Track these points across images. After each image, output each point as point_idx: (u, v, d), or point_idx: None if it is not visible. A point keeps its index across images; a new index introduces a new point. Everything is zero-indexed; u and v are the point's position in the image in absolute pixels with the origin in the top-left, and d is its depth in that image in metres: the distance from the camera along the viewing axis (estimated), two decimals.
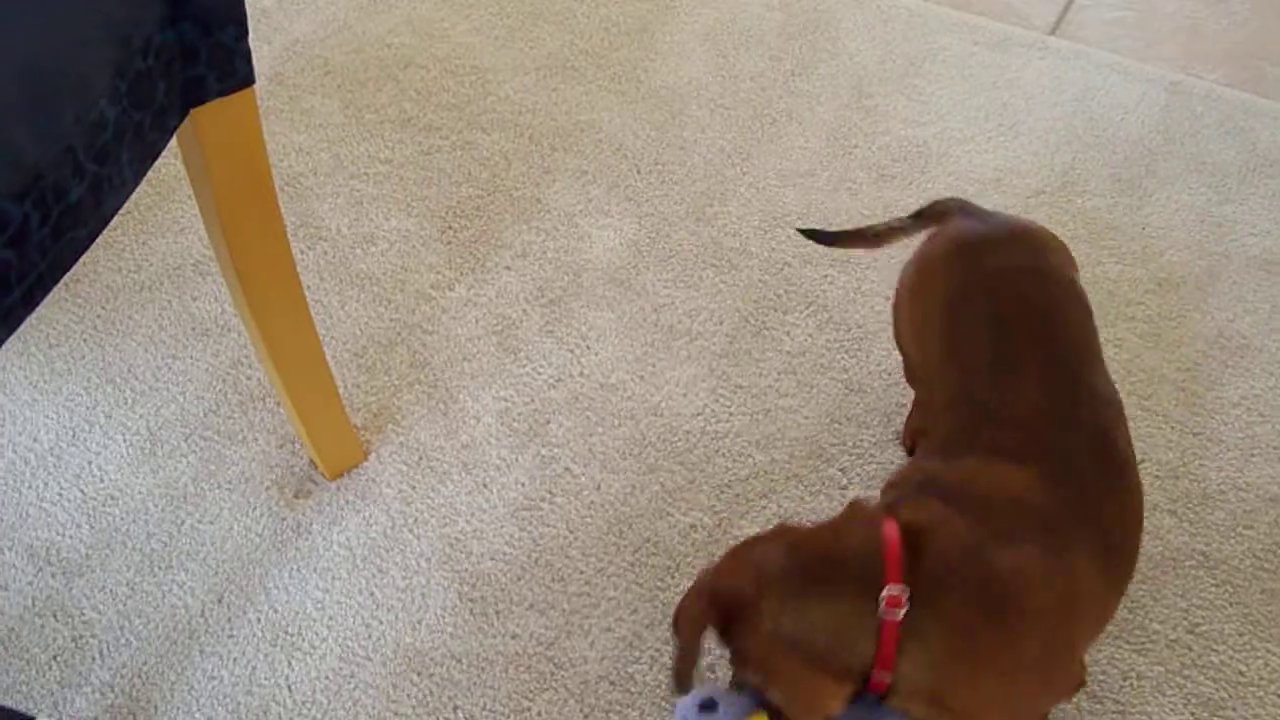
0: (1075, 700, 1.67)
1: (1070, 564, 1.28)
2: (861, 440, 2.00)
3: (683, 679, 1.31)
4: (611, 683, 1.73)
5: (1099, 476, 1.34)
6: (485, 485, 1.97)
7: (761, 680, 1.31)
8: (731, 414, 2.05)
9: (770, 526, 1.39)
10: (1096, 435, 1.37)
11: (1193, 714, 1.66)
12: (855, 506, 1.35)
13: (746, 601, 1.25)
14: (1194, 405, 2.04)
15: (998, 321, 1.46)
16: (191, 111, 1.34)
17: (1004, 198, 2.39)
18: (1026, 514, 1.29)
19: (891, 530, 1.25)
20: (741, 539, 1.36)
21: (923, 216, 1.74)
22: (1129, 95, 2.66)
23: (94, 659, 1.79)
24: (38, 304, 1.11)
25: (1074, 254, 1.61)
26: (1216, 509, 1.89)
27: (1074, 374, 1.40)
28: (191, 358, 2.18)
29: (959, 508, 1.29)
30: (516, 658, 1.76)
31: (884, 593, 1.21)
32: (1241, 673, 1.71)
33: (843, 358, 2.12)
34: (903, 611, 1.22)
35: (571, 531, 1.91)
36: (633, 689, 1.72)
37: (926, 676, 1.26)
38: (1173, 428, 2.00)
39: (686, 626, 1.30)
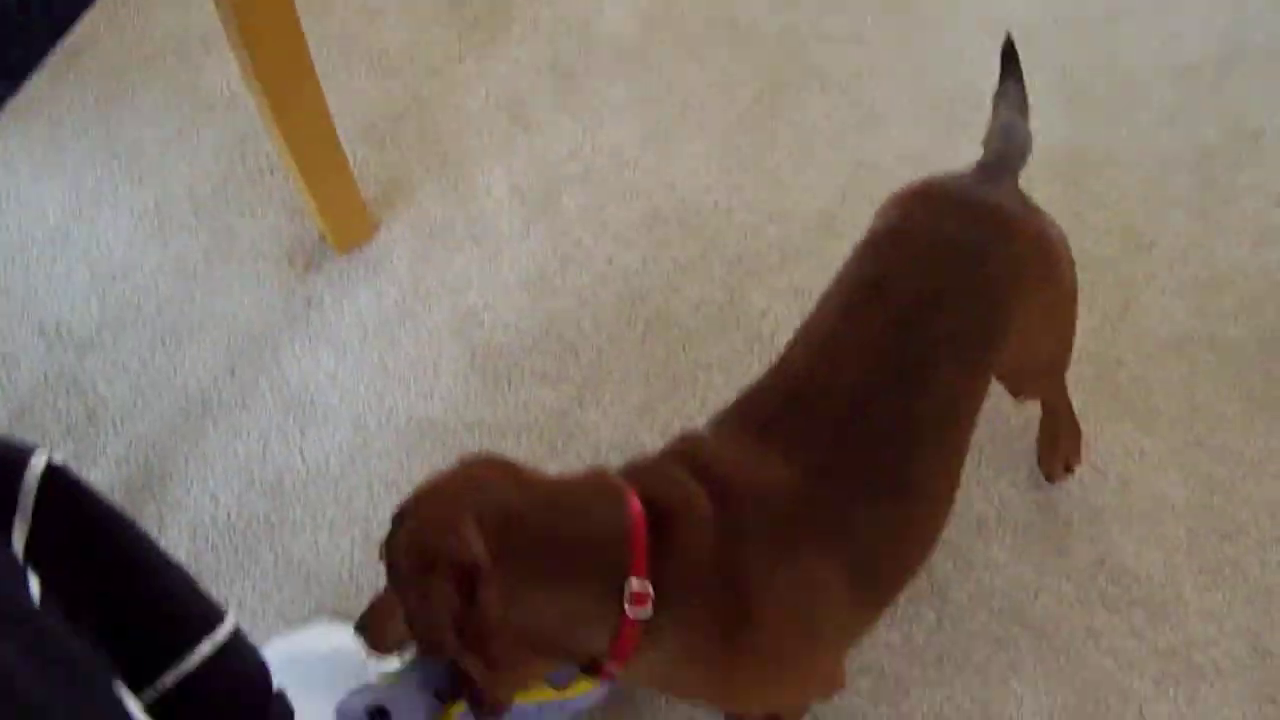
0: (1079, 475, 1.67)
1: (810, 577, 1.14)
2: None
3: (385, 640, 1.14)
4: (622, 451, 1.73)
5: (872, 493, 1.18)
6: (496, 258, 1.95)
7: (465, 655, 1.10)
8: (744, 189, 2.01)
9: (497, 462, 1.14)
10: (897, 446, 1.20)
11: (1193, 491, 1.66)
12: (598, 474, 1.15)
13: (475, 577, 1.03)
14: (1207, 190, 2.00)
15: (880, 279, 1.28)
16: None
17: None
18: (776, 514, 1.14)
19: (637, 512, 1.10)
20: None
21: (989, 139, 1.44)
22: None
23: (108, 432, 1.79)
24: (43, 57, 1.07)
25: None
26: (1224, 293, 1.86)
27: (913, 374, 1.22)
28: (198, 133, 2.13)
29: (712, 494, 1.14)
30: (528, 427, 1.76)
31: (629, 587, 1.07)
32: (1242, 452, 1.70)
33: (855, 135, 2.08)
34: (648, 610, 1.08)
35: (583, 304, 1.89)
36: None
37: (658, 674, 1.17)
38: (1185, 212, 1.96)
39: (413, 595, 1.06)
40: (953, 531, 1.60)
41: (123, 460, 1.76)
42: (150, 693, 0.86)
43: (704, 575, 1.11)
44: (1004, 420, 1.71)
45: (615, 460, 1.69)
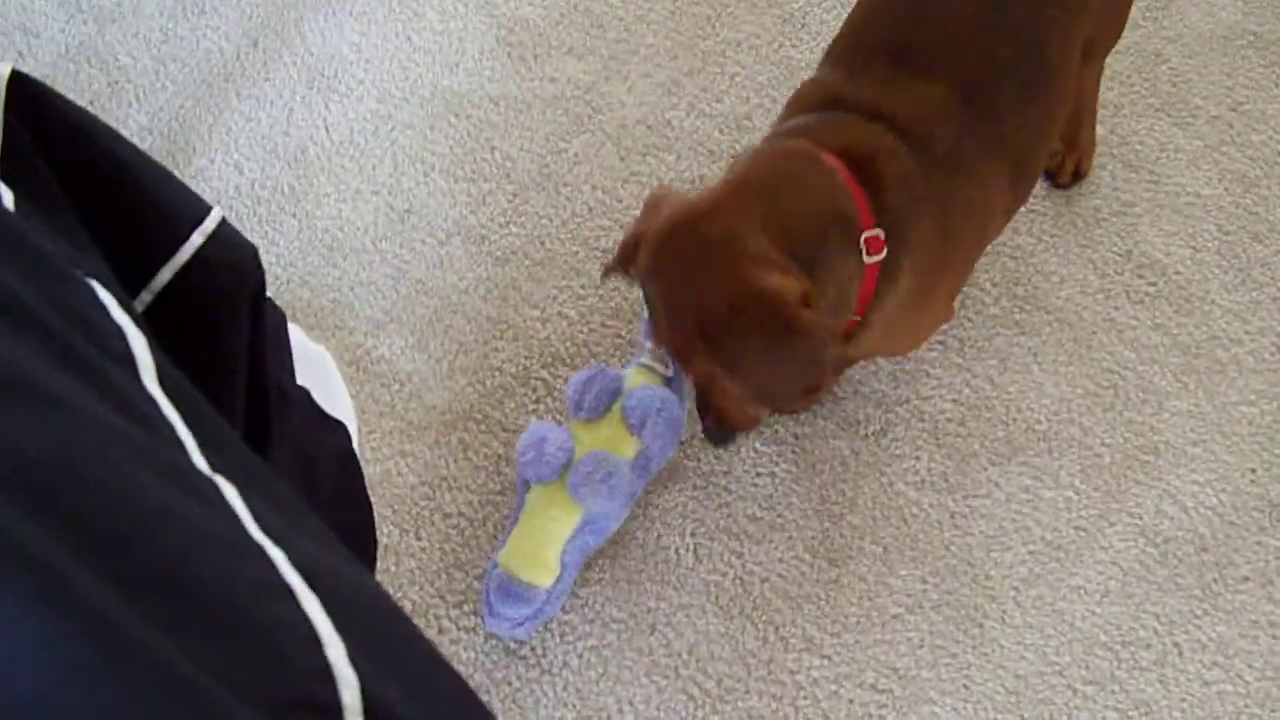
0: (1110, 169, 1.58)
1: (985, 185, 1.15)
2: None
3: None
4: (649, 126, 1.63)
5: (1019, 95, 1.15)
6: None
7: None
8: None
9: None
10: (1030, 41, 1.15)
11: (1226, 189, 1.57)
12: (797, 151, 1.10)
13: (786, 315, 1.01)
14: None
15: None
16: None
17: None
18: (948, 134, 1.11)
19: (846, 173, 1.07)
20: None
21: None
22: None
23: (130, 103, 1.70)
24: None
25: None
26: None
27: None
28: None
29: (890, 129, 1.11)
30: (554, 101, 1.65)
31: (865, 237, 1.07)
32: (1279, 152, 1.60)
33: None
34: (884, 252, 1.08)
35: None
36: (669, 134, 1.62)
37: (892, 306, 1.15)
38: None
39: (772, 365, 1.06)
40: None
41: (146, 130, 1.67)
42: (147, 295, 0.80)
43: (915, 203, 1.10)
44: None
45: (641, 135, 1.61)
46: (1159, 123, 1.62)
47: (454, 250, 1.55)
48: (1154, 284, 1.50)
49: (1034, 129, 1.17)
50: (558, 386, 1.45)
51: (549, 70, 1.68)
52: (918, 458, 1.41)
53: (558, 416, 1.43)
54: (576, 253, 1.54)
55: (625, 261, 1.12)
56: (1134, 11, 1.62)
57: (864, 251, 1.06)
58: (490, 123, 1.64)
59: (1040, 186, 1.56)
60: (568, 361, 1.47)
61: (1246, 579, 1.33)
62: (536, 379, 1.46)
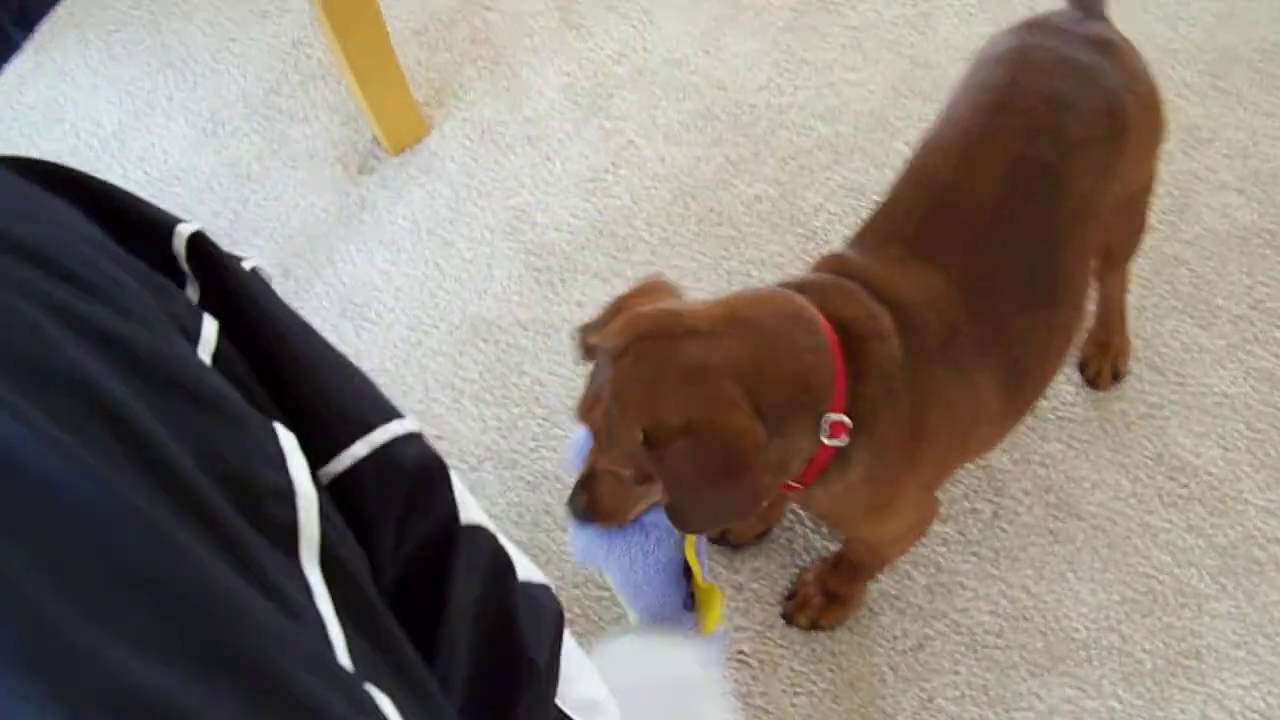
0: (1136, 371, 1.63)
1: (974, 387, 1.17)
2: (928, 115, 1.87)
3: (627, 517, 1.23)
4: None
5: (1025, 298, 1.19)
6: (549, 158, 1.91)
7: None
8: (796, 88, 1.96)
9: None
10: (1042, 249, 1.20)
11: (1253, 387, 1.61)
12: (794, 302, 1.11)
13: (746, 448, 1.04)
14: (1268, 86, 1.92)
15: (1008, 86, 1.25)
16: None
17: None
18: (944, 327, 1.14)
19: (834, 341, 1.08)
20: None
21: None
22: None
23: None
24: None
25: None
26: None
27: (1048, 178, 1.21)
28: (250, 39, 2.10)
29: (889, 311, 1.13)
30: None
31: (828, 419, 1.07)
32: None
33: (909, 33, 2.02)
34: (845, 439, 1.08)
35: (635, 202, 1.84)
36: None
37: (828, 494, 1.17)
38: (1245, 108, 1.90)
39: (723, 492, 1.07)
40: None
41: None
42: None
43: (893, 397, 1.11)
44: None
45: None
46: (1182, 324, 1.67)
47: (485, 476, 1.60)
48: (1186, 486, 1.54)
49: (1038, 337, 1.21)
50: (591, 609, 1.49)
51: (576, 294, 1.76)
52: (957, 671, 1.43)
53: (591, 637, 1.46)
54: None
55: (600, 326, 1.13)
56: (1151, 216, 1.71)
57: (824, 431, 1.07)
58: (519, 347, 1.71)
59: (1068, 393, 1.61)
60: (601, 584, 1.50)
61: None
62: (568, 598, 1.49)
